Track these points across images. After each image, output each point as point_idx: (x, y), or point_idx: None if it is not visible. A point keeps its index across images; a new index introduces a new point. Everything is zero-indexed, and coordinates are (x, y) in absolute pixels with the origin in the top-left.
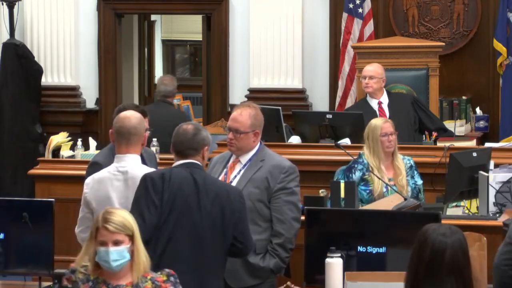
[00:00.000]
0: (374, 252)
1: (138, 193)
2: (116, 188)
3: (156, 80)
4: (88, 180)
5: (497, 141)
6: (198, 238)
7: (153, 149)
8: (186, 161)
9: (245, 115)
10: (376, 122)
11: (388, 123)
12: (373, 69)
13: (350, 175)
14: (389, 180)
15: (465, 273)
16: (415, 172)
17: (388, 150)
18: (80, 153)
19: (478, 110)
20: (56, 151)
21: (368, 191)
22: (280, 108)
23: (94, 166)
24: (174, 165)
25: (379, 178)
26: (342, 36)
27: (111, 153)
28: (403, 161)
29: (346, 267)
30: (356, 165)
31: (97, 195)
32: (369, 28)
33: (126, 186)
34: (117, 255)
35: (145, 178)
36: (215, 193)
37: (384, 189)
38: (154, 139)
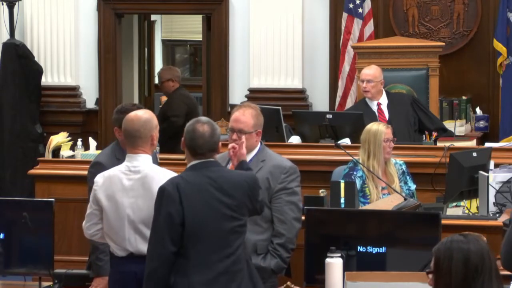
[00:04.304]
0: (374, 252)
1: (156, 208)
2: (126, 188)
3: (156, 80)
4: (98, 178)
5: (497, 141)
6: (224, 235)
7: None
8: (203, 160)
9: (248, 115)
10: (378, 126)
11: (389, 129)
12: (370, 72)
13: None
14: (382, 188)
15: (499, 272)
16: (408, 178)
17: (388, 156)
18: (80, 153)
19: (478, 110)
20: (56, 151)
21: (367, 204)
22: (280, 108)
23: (96, 166)
24: (189, 165)
25: (383, 179)
26: (342, 36)
27: (113, 153)
28: (395, 166)
29: (346, 267)
30: (355, 172)
31: (108, 194)
32: (369, 28)
33: (137, 186)
34: None
35: (161, 191)
36: (234, 186)
37: (381, 199)
38: None
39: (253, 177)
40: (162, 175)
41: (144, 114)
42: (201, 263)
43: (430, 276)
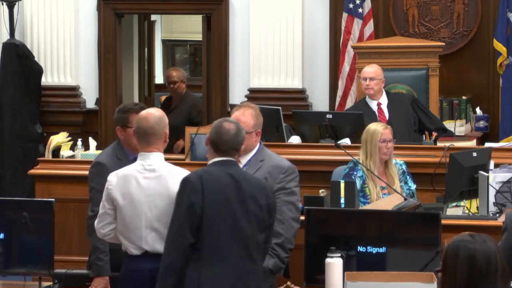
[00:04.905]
0: (374, 252)
1: (178, 198)
2: (143, 186)
3: (156, 80)
4: (112, 177)
5: (497, 141)
6: (241, 233)
7: None
8: (224, 158)
9: (248, 115)
10: (376, 127)
11: (388, 130)
12: (373, 70)
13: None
14: (382, 188)
15: (507, 273)
16: (408, 177)
17: (384, 157)
18: (80, 153)
19: (478, 110)
20: (56, 151)
21: (367, 204)
22: (280, 108)
23: (97, 166)
24: (211, 162)
25: (381, 180)
26: (342, 36)
27: (114, 153)
28: (395, 167)
29: (346, 267)
30: (355, 172)
31: (123, 192)
32: (369, 28)
33: (154, 184)
34: None
35: (185, 181)
36: (254, 188)
37: (381, 199)
38: None
39: (270, 184)
40: (178, 173)
41: (156, 112)
42: (213, 258)
43: (439, 275)
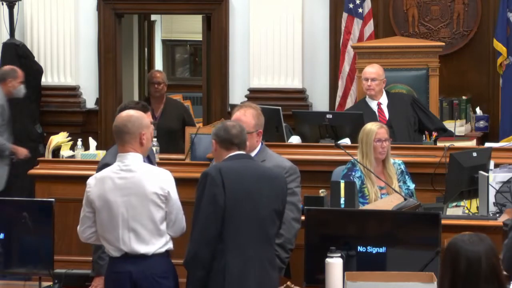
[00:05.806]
0: (374, 252)
1: (199, 191)
2: (119, 186)
3: None
4: (91, 180)
5: (497, 141)
6: (262, 222)
7: (153, 148)
8: (239, 152)
9: (249, 115)
10: (371, 126)
11: (383, 129)
12: (374, 71)
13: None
14: (381, 188)
15: (501, 278)
16: (407, 177)
17: (380, 156)
18: (80, 153)
19: (478, 110)
20: (56, 151)
21: (366, 204)
22: (280, 108)
23: (105, 168)
24: (229, 156)
25: (380, 180)
26: (342, 36)
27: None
28: (393, 167)
29: (346, 267)
30: (353, 173)
31: (100, 194)
32: (369, 28)
33: (130, 184)
34: None
35: (204, 175)
36: (270, 179)
37: (379, 199)
38: (154, 139)
39: (283, 174)
40: (154, 173)
41: (135, 113)
42: (237, 248)
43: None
